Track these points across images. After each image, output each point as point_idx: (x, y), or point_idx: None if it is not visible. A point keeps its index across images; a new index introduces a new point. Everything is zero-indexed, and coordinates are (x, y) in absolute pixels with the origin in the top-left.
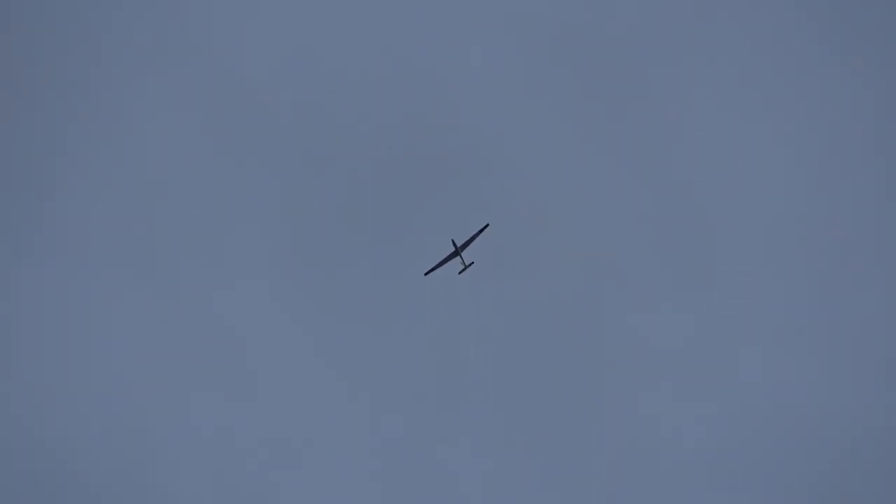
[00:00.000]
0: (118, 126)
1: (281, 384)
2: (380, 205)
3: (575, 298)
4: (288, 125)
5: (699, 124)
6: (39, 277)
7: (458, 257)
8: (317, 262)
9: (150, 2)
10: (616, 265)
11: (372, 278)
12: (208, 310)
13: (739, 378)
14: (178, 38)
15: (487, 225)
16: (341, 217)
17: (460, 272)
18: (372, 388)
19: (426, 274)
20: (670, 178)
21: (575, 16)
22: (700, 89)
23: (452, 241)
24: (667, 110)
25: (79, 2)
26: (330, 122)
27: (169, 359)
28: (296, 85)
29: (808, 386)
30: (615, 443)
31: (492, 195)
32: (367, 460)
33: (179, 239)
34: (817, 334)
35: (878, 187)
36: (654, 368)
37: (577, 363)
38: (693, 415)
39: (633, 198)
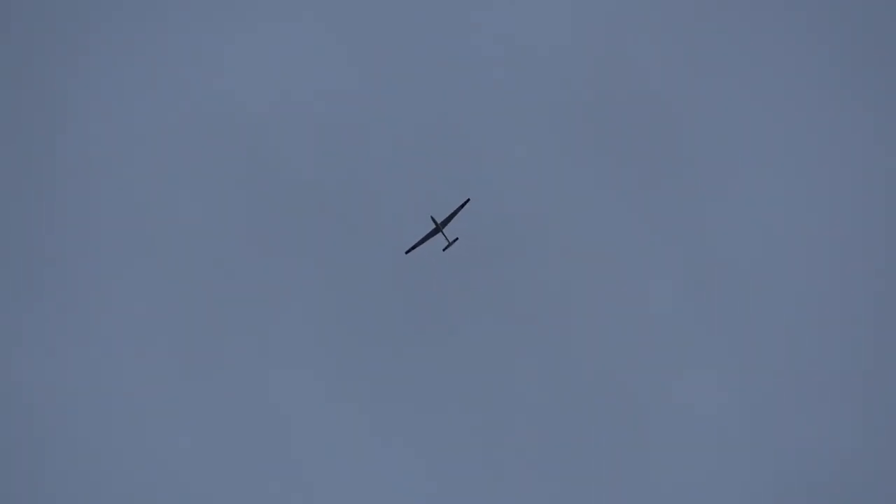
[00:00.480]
0: (159, 209)
1: (330, 471)
2: (425, 282)
3: (610, 367)
4: (326, 201)
5: (735, 188)
6: (81, 369)
7: (441, 234)
8: (362, 341)
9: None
10: (649, 329)
11: (421, 356)
12: (253, 394)
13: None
14: (211, 121)
15: (468, 200)
16: (383, 294)
17: (444, 248)
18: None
19: (407, 252)
20: (705, 241)
21: (601, 77)
22: (737, 156)
23: (432, 218)
24: (701, 175)
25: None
26: (370, 197)
27: (214, 445)
28: (336, 164)
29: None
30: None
31: (521, 267)
32: None
33: (220, 321)
34: (856, 394)
35: None
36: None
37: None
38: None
39: (666, 262)
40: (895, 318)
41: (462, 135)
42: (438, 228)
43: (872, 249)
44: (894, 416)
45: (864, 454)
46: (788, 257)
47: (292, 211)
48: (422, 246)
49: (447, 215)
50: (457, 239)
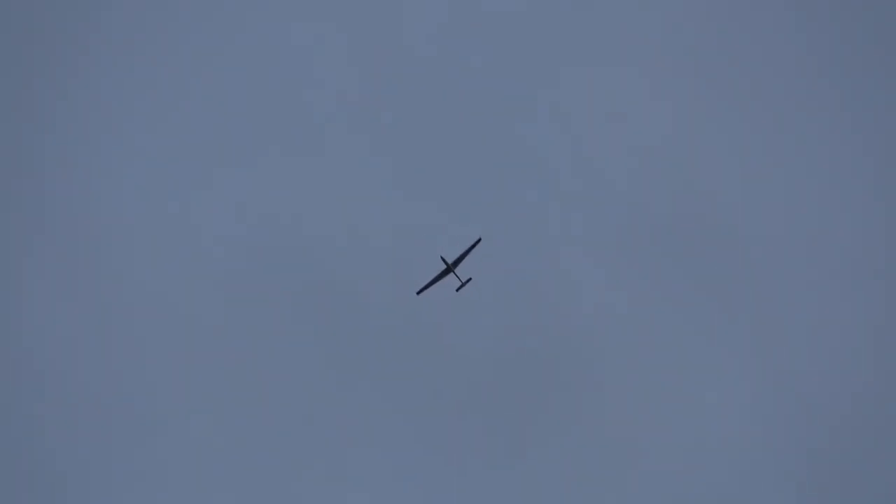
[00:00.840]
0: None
1: None
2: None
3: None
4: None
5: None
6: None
7: (453, 274)
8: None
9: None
10: (715, 441)
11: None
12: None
13: None
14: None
15: (480, 239)
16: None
17: (458, 289)
18: None
19: (418, 293)
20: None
21: (662, 187)
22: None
23: (442, 259)
24: (763, 283)
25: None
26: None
27: None
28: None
29: None
30: None
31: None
32: None
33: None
34: None
35: None
36: None
37: None
38: None
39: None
40: None
41: (519, 240)
42: (450, 269)
43: None
44: None
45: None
46: (854, 358)
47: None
48: (434, 286)
49: (458, 256)
50: (470, 279)
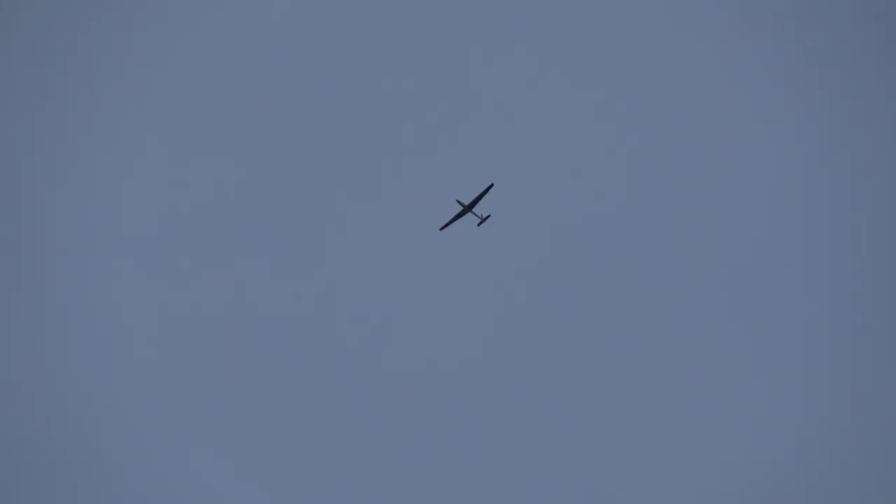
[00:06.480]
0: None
1: None
2: None
3: None
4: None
5: None
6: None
7: (471, 213)
8: None
9: None
10: None
11: None
12: None
13: None
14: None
15: (492, 185)
16: None
17: (479, 224)
18: None
19: (441, 229)
20: None
21: None
22: None
23: (458, 202)
24: None
25: None
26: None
27: None
28: None
29: None
30: None
31: None
32: None
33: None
34: None
35: None
36: None
37: None
38: None
39: None
40: None
41: None
42: (467, 209)
43: None
44: None
45: None
46: None
47: None
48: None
49: (472, 199)
50: (489, 215)
